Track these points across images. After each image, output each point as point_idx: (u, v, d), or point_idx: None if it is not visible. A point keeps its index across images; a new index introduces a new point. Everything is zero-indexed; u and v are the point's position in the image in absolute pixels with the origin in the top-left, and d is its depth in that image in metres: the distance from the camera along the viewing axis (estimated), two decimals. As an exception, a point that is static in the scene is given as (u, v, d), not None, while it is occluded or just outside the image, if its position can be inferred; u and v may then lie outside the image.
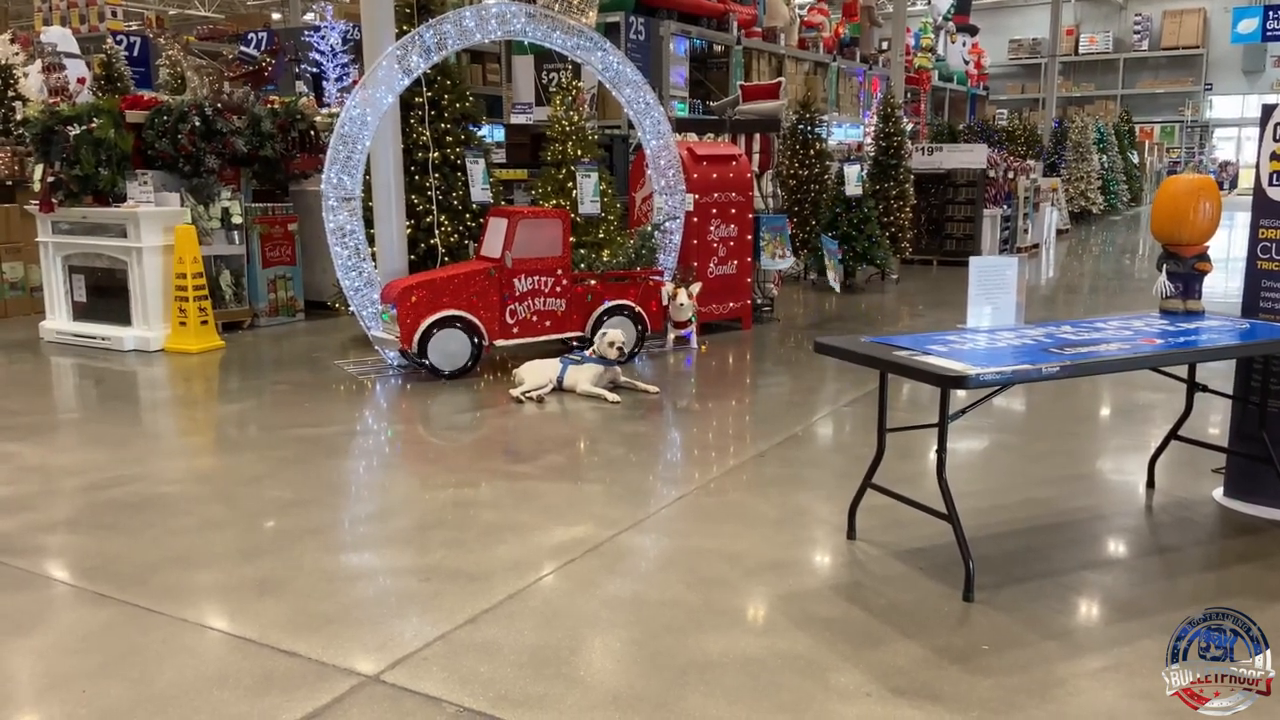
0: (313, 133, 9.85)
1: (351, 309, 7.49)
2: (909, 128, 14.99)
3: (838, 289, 11.57)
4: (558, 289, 7.50)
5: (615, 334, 6.77)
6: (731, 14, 14.28)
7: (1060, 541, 4.18)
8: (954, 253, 14.18)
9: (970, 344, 3.89)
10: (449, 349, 7.05)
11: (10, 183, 10.48)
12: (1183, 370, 4.57)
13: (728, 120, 11.78)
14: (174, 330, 8.25)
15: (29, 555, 4.06)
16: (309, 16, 22.99)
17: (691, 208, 8.70)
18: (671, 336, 8.31)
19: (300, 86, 13.25)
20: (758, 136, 12.28)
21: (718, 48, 14.76)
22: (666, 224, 8.53)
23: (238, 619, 3.47)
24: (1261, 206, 4.46)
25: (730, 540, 4.17)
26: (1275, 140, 4.39)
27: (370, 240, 7.54)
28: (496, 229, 7.42)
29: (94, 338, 8.42)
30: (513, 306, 7.32)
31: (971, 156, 14.38)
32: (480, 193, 8.20)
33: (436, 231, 8.11)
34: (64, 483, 4.97)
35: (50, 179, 8.51)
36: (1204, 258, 4.55)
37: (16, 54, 12.09)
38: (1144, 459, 4.90)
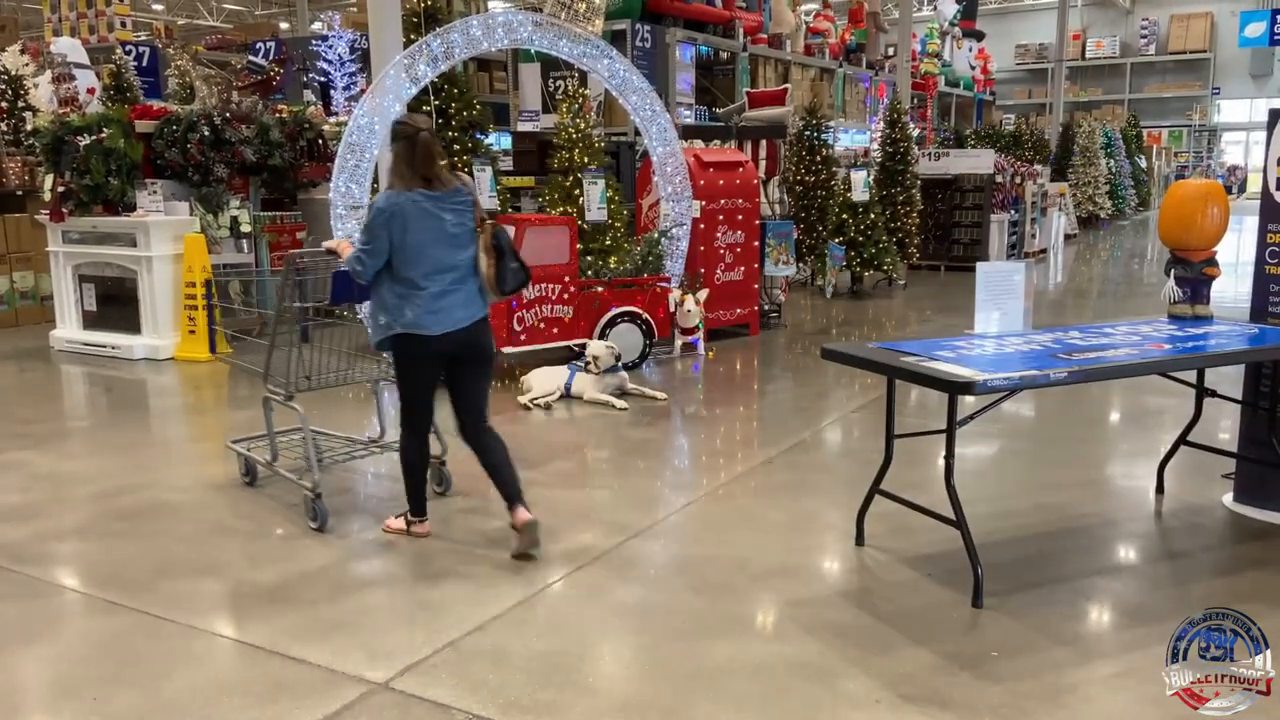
0: (321, 141, 9.88)
1: (360, 317, 7.50)
2: (915, 133, 14.99)
3: (827, 294, 11.68)
4: (565, 296, 7.51)
5: (594, 347, 6.76)
6: (737, 21, 14.29)
7: (1070, 547, 4.17)
8: (961, 258, 14.15)
9: (978, 350, 3.89)
10: (457, 356, 7.07)
11: (21, 192, 10.54)
12: (1191, 375, 4.56)
13: (734, 127, 11.79)
14: (183, 338, 8.28)
15: (39, 563, 4.08)
16: (317, 26, 23.11)
17: (698, 214, 8.71)
18: (679, 343, 8.31)
19: (308, 95, 13.29)
20: (764, 143, 12.29)
21: (724, 54, 14.77)
22: (673, 230, 8.54)
23: (247, 626, 3.48)
24: (1269, 210, 4.45)
25: (738, 546, 4.17)
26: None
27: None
28: (504, 236, 7.43)
29: (104, 346, 8.45)
30: (520, 313, 7.33)
31: (979, 161, 14.37)
32: (487, 200, 8.22)
33: (444, 239, 8.12)
34: (74, 490, 4.99)
35: (60, 189, 8.56)
36: (1212, 262, 4.54)
37: (27, 65, 12.16)
38: (1153, 464, 4.88)
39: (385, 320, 4.02)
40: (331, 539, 4.32)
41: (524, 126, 12.11)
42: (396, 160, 4.00)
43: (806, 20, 17.81)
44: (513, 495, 4.10)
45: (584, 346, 7.57)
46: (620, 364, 6.85)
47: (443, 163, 4.10)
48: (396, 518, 4.35)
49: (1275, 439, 4.28)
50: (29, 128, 10.45)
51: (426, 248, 3.92)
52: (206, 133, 8.63)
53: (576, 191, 8.36)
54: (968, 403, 4.63)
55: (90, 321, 8.77)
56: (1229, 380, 4.75)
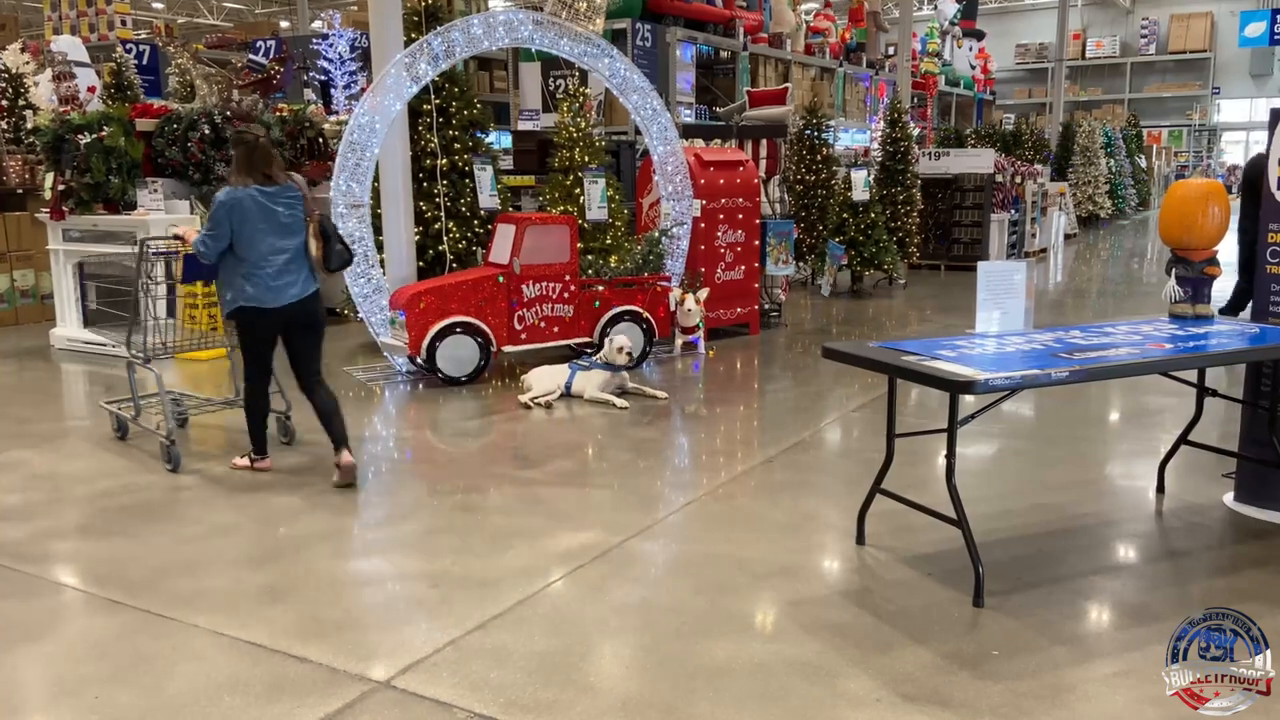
0: (321, 140, 9.88)
1: (360, 315, 7.52)
2: (916, 132, 14.98)
3: (825, 293, 11.65)
4: (565, 295, 7.51)
5: (623, 339, 6.78)
6: (738, 20, 14.29)
7: (1070, 547, 4.17)
8: (962, 257, 14.16)
9: (979, 349, 3.89)
10: (457, 355, 7.07)
11: (21, 191, 10.53)
12: (1192, 375, 4.56)
13: (734, 126, 11.79)
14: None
15: (40, 562, 4.08)
16: (317, 24, 23.10)
17: (699, 213, 8.71)
18: (679, 342, 8.31)
19: (309, 94, 13.29)
20: (765, 142, 12.27)
21: (724, 54, 14.77)
22: (674, 230, 8.54)
23: (248, 625, 3.48)
24: (1271, 210, 4.45)
25: (739, 546, 4.17)
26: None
27: (379, 247, 7.56)
28: (504, 235, 7.44)
29: (104, 345, 8.44)
30: (521, 312, 7.34)
31: (979, 161, 14.37)
32: (488, 199, 8.22)
33: (445, 238, 8.14)
34: (74, 489, 4.99)
35: (61, 187, 8.55)
36: (1213, 262, 4.54)
37: (27, 63, 12.16)
38: (1154, 464, 4.89)
39: (231, 295, 4.89)
40: (330, 536, 4.33)
41: (524, 125, 12.10)
42: (238, 162, 4.86)
43: (807, 20, 17.80)
44: (339, 440, 4.97)
45: (585, 345, 7.59)
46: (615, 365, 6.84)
47: (277, 165, 4.96)
48: (242, 457, 5.22)
49: (1276, 439, 4.28)
50: (29, 126, 10.44)
51: (262, 234, 4.79)
52: (207, 131, 8.63)
53: (577, 190, 8.36)
54: (968, 402, 4.64)
55: (91, 320, 8.76)
56: (1230, 380, 4.75)
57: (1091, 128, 22.85)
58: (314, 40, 14.29)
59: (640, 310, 7.81)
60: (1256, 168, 7.76)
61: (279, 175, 4.91)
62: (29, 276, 10.17)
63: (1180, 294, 4.56)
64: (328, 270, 5.05)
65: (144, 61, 14.53)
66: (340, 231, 7.17)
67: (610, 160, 9.36)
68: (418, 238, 7.91)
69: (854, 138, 17.96)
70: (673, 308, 8.11)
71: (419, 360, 7.09)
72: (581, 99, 8.69)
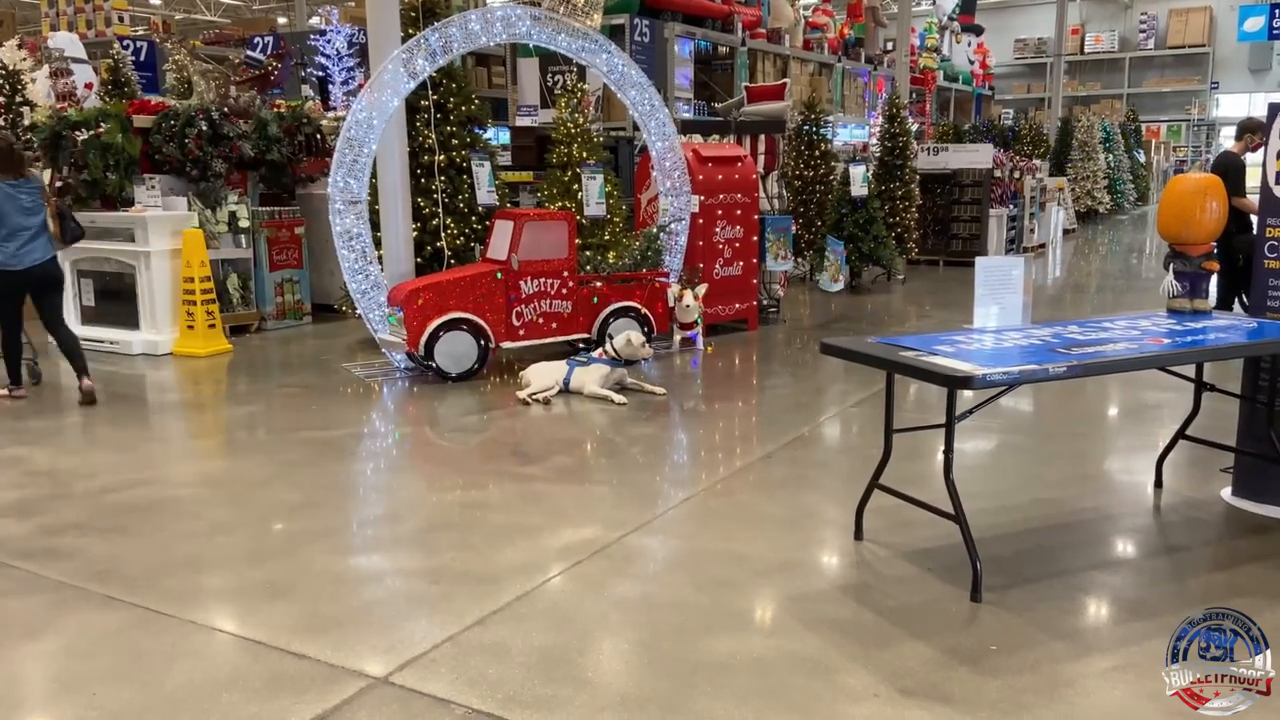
0: (319, 136, 9.87)
1: (358, 312, 7.51)
2: (914, 128, 14.97)
3: (833, 289, 11.57)
4: (564, 291, 7.51)
5: (637, 334, 6.80)
6: (736, 15, 14.28)
7: (1068, 542, 4.18)
8: (960, 253, 14.15)
9: (977, 344, 3.89)
10: (456, 351, 7.07)
11: (18, 188, 10.49)
12: (1190, 370, 4.56)
13: (733, 122, 11.78)
14: (182, 334, 8.27)
15: (39, 558, 4.08)
16: (315, 20, 23.06)
17: (697, 209, 8.70)
18: (677, 338, 8.32)
19: (306, 90, 13.27)
20: (763, 138, 12.28)
21: (722, 49, 14.76)
22: (672, 225, 8.53)
23: (247, 621, 3.48)
24: (1269, 205, 4.45)
25: (738, 542, 4.17)
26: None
27: (377, 243, 7.56)
28: (502, 231, 7.43)
29: (102, 341, 8.44)
30: (519, 308, 7.33)
31: (977, 156, 14.36)
32: (486, 195, 8.22)
33: (443, 234, 8.13)
34: (73, 486, 4.98)
35: (59, 184, 8.54)
36: (1211, 257, 4.54)
37: (24, 59, 12.11)
38: (1152, 459, 4.89)
39: None
40: (328, 533, 4.33)
41: (523, 121, 12.11)
42: None
43: (805, 15, 17.79)
44: (80, 369, 6.62)
45: (585, 343, 7.59)
46: (621, 359, 6.85)
47: (22, 164, 6.52)
48: (1, 388, 6.72)
49: (1274, 433, 4.28)
50: (27, 123, 10.42)
51: (9, 215, 6.29)
52: (204, 128, 8.62)
53: (575, 186, 8.36)
54: (966, 397, 4.64)
55: (89, 317, 8.76)
56: (1228, 375, 4.75)
57: (1090, 123, 22.84)
58: (311, 36, 14.27)
59: (638, 306, 7.81)
60: (1222, 165, 7.79)
61: (25, 172, 6.50)
62: (27, 273, 10.14)
63: (1178, 289, 4.56)
64: (64, 243, 6.74)
65: (141, 58, 14.49)
66: (338, 229, 7.26)
67: (608, 156, 9.35)
68: (415, 234, 7.90)
69: (852, 133, 17.94)
70: (671, 304, 8.11)
71: (417, 356, 7.09)
72: (580, 94, 8.68)
